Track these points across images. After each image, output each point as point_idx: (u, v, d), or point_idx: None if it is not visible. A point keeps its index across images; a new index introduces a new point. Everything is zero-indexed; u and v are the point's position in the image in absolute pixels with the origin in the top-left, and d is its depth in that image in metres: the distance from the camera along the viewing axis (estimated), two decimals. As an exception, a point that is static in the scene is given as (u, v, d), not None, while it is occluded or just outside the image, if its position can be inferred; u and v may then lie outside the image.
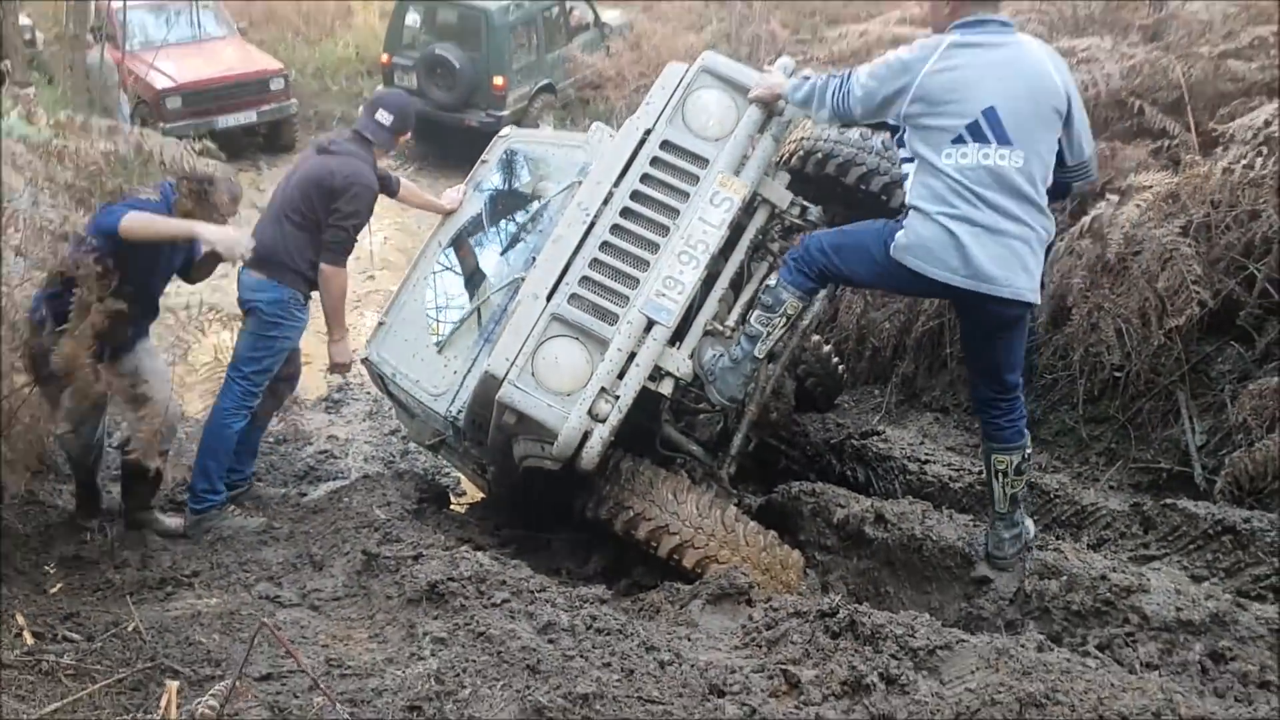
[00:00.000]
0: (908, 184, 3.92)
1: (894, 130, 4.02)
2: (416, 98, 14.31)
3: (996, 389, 4.18)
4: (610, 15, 16.67)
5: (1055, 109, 3.83)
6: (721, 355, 4.47)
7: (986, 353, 4.14)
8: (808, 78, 4.35)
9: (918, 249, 3.84)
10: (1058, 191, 4.01)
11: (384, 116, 5.24)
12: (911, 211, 3.88)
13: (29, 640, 3.66)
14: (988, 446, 4.29)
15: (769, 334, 4.33)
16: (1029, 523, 4.38)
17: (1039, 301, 3.99)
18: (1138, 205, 5.18)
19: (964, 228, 3.76)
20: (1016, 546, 4.29)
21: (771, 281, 4.33)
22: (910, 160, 3.92)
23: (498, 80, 14.09)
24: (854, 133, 4.90)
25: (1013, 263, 3.80)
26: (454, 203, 5.79)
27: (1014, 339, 4.09)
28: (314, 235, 5.18)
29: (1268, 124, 5.11)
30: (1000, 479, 4.24)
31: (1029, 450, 4.30)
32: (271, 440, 6.74)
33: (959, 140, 3.78)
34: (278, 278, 5.18)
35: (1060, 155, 3.92)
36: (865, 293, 7.20)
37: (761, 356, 4.42)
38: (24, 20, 14.24)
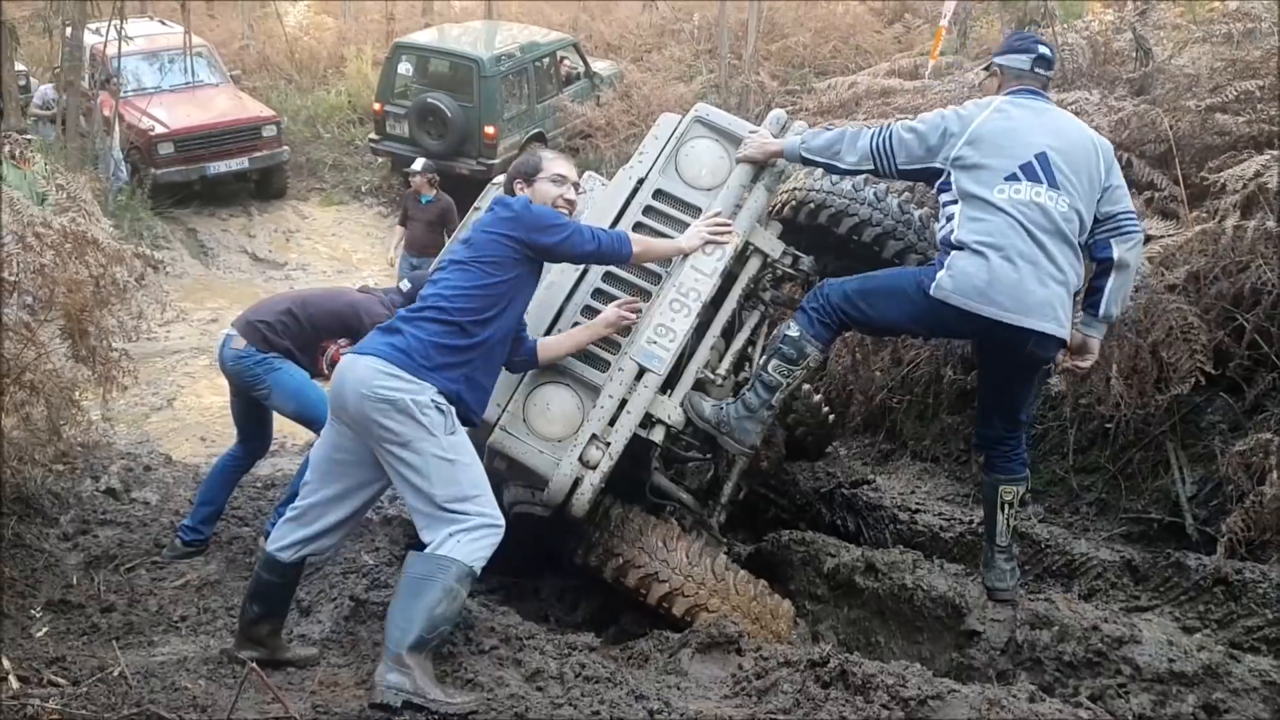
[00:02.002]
0: (953, 223, 4.00)
1: (932, 177, 4.13)
2: (408, 144, 14.45)
3: (1008, 427, 4.29)
4: (601, 65, 16.84)
5: (1094, 166, 4.02)
6: (731, 404, 4.47)
7: (1007, 391, 4.24)
8: (829, 127, 4.42)
9: (964, 287, 3.90)
10: (1093, 249, 4.10)
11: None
12: (955, 251, 3.95)
13: (14, 684, 3.62)
14: (994, 479, 4.36)
15: (788, 384, 4.37)
16: (1017, 566, 4.42)
17: (1069, 342, 4.08)
18: (1148, 259, 5.21)
19: (1011, 263, 3.86)
20: (1015, 579, 4.36)
21: (792, 332, 4.33)
22: (954, 203, 4.02)
23: (489, 129, 14.19)
24: (846, 184, 4.93)
25: (1055, 301, 3.91)
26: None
27: (1036, 379, 4.25)
28: (312, 344, 5.32)
29: (1258, 175, 5.17)
30: (1005, 510, 4.33)
31: (1029, 483, 4.44)
32: (259, 486, 6.70)
33: (1013, 178, 3.94)
34: (258, 345, 5.19)
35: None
36: (854, 345, 7.23)
37: (777, 406, 4.44)
38: (19, 67, 14.32)
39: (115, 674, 3.80)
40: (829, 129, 4.43)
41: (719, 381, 4.66)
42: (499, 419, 4.37)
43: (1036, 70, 4.23)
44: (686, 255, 4.40)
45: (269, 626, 4.05)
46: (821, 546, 5.13)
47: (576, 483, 4.27)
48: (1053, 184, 3.93)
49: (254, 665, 3.47)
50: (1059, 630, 4.07)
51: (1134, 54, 7.31)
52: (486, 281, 3.83)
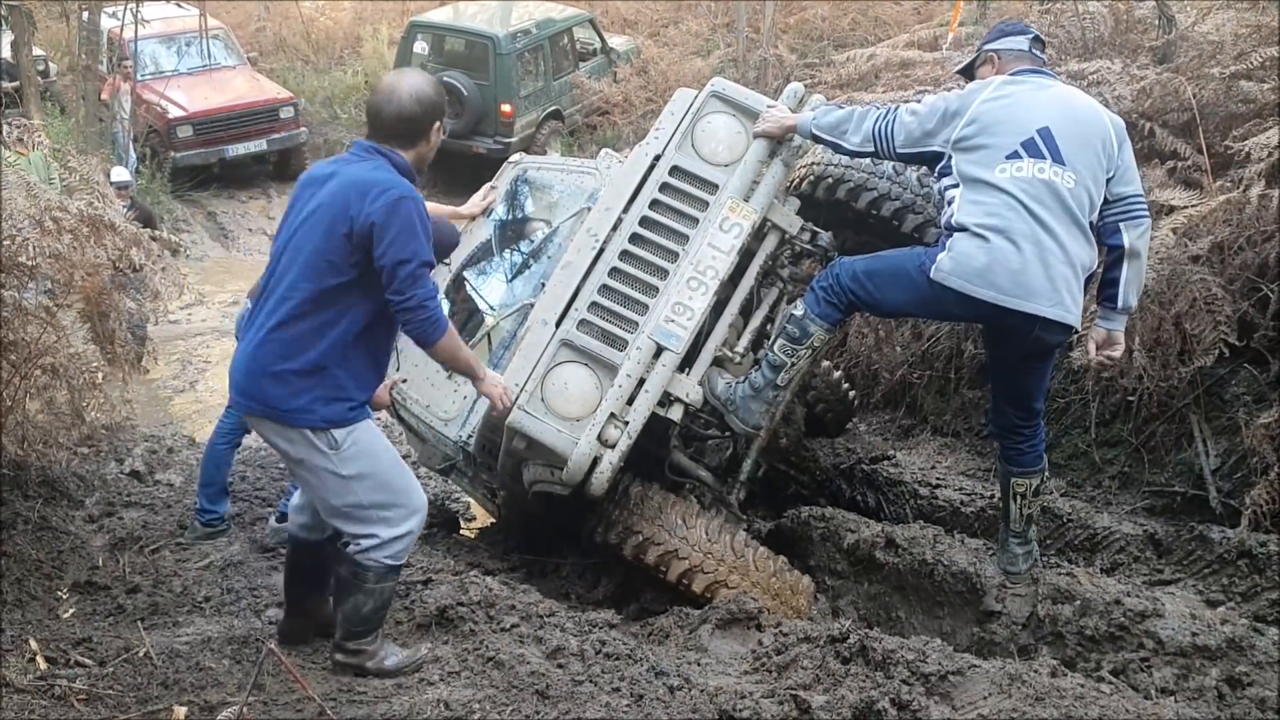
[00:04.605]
0: (953, 207, 3.91)
1: (931, 161, 4.05)
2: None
3: (1021, 416, 4.20)
4: (617, 41, 16.75)
5: (1104, 142, 3.87)
6: (740, 383, 4.48)
7: (1017, 380, 4.16)
8: (841, 105, 4.38)
9: (964, 269, 3.81)
10: (1102, 233, 3.97)
11: None
12: (957, 232, 3.86)
13: (42, 665, 3.66)
14: (1006, 470, 4.31)
15: (793, 364, 4.35)
16: (1036, 546, 4.39)
17: (1080, 328, 4.00)
18: (1173, 230, 5.15)
19: (1014, 245, 3.76)
20: (1029, 562, 4.33)
21: (798, 311, 4.31)
22: (955, 186, 3.92)
23: (505, 107, 14.16)
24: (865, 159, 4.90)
25: (1060, 285, 3.79)
26: (478, 206, 5.70)
27: (1046, 366, 4.14)
28: None
29: (1284, 143, 5.10)
30: (1018, 501, 4.27)
31: (1046, 473, 4.34)
32: (282, 467, 6.74)
33: (1014, 155, 3.82)
34: None
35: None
36: (875, 321, 7.20)
37: (783, 385, 4.43)
38: (37, 51, 14.36)
39: (141, 654, 3.84)
40: (842, 106, 4.39)
41: (737, 359, 4.66)
42: (517, 398, 4.37)
43: (1034, 51, 4.13)
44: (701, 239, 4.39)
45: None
46: (841, 522, 5.12)
47: (595, 461, 4.28)
48: (1057, 159, 3.80)
49: (272, 647, 3.49)
50: (1081, 605, 4.05)
51: (1156, 21, 7.21)
52: None
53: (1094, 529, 4.94)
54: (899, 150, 4.11)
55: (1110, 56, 6.86)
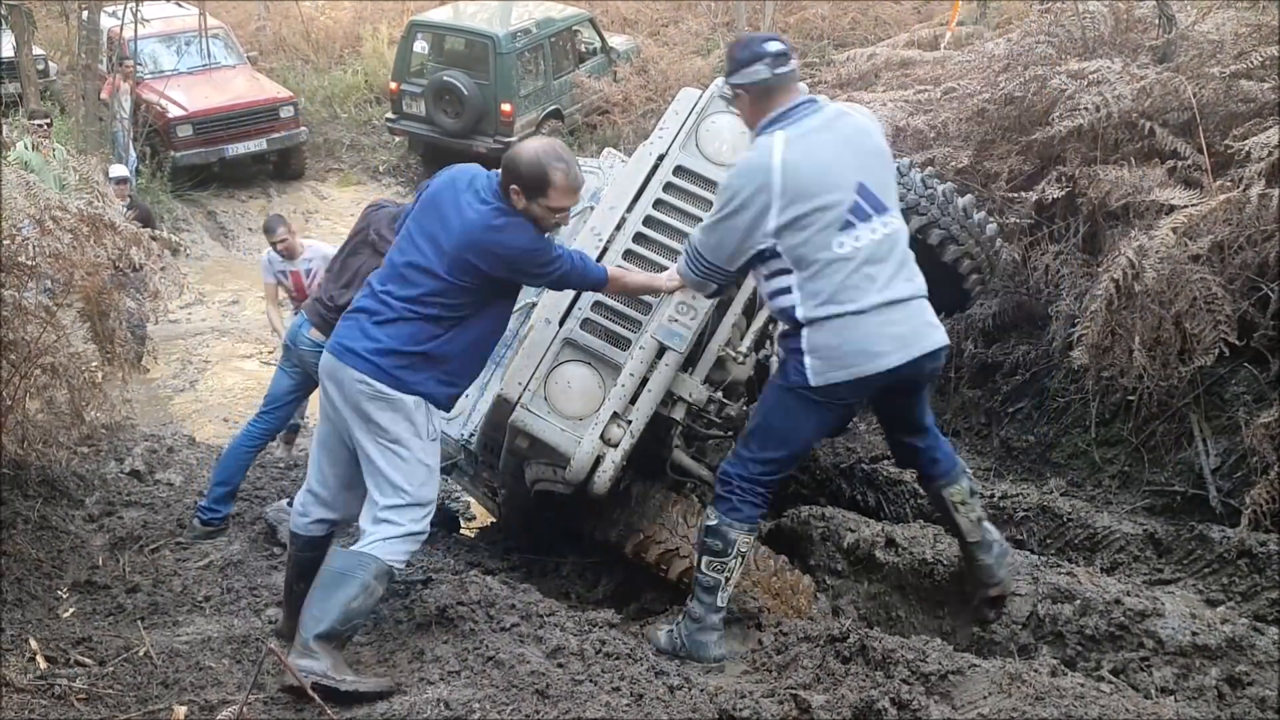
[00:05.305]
0: (793, 297, 3.68)
1: (756, 258, 3.76)
2: (425, 124, 14.46)
3: (919, 438, 4.06)
4: (617, 40, 16.75)
5: (890, 160, 3.83)
6: (678, 624, 4.08)
7: (909, 414, 4.02)
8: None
9: (836, 359, 3.66)
10: None
11: None
12: (807, 329, 3.67)
13: (42, 664, 3.66)
14: (934, 486, 4.11)
15: (728, 579, 3.95)
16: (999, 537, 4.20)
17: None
18: (1172, 230, 5.15)
19: (868, 313, 3.62)
20: (1003, 563, 4.13)
21: (711, 522, 3.93)
22: (787, 272, 3.69)
23: (505, 106, 14.16)
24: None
25: (924, 314, 3.75)
26: None
27: (927, 389, 4.05)
28: None
29: (1284, 142, 5.11)
30: (959, 510, 4.07)
31: (967, 470, 4.17)
32: (281, 467, 6.74)
33: (847, 226, 3.61)
34: None
35: None
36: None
37: (724, 605, 4.00)
38: (37, 51, 14.35)
39: (141, 654, 3.85)
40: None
41: (740, 359, 4.65)
42: (520, 397, 4.38)
43: (778, 72, 3.71)
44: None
45: None
46: (841, 522, 5.11)
47: (598, 460, 4.28)
48: (879, 210, 3.65)
49: (272, 647, 3.50)
50: (1081, 604, 4.05)
51: (1156, 21, 7.21)
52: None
53: (1094, 529, 4.94)
54: (734, 269, 3.84)
55: (1110, 56, 6.85)
